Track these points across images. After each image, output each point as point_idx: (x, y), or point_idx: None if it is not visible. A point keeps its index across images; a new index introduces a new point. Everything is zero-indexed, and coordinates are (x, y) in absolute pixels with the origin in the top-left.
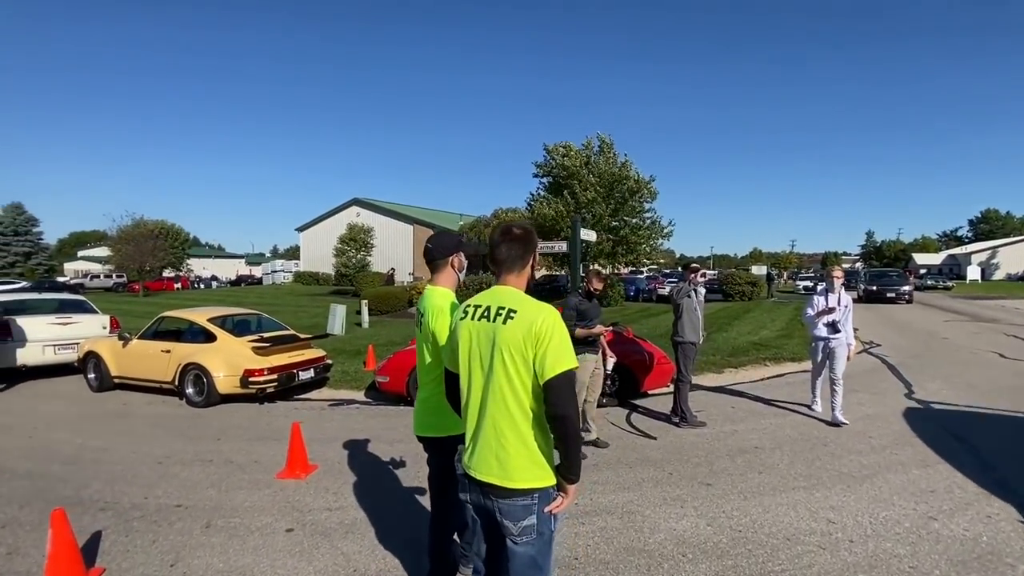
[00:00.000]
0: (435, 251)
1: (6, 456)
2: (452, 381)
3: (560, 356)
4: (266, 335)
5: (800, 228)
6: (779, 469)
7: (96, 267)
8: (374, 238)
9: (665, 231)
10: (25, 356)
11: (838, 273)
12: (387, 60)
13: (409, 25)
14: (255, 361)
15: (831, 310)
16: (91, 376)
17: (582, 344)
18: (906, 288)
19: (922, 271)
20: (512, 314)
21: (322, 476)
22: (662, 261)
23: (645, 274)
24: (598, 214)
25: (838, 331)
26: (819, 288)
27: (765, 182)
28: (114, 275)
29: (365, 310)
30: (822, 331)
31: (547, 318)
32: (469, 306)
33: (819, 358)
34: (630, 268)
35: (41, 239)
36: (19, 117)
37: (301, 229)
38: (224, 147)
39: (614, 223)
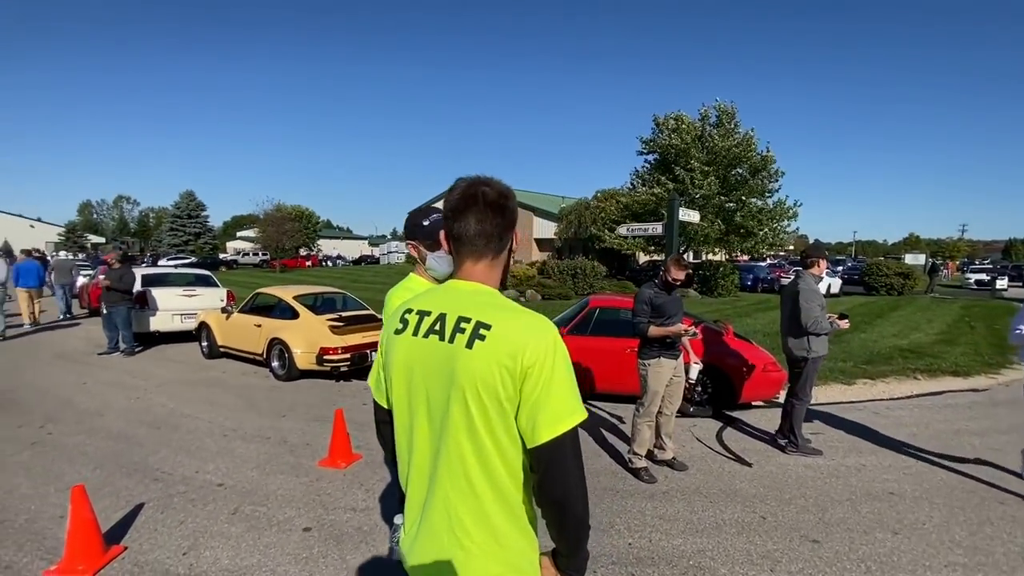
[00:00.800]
0: (404, 231)
1: (109, 415)
2: (384, 420)
3: (562, 406)
4: (344, 314)
5: (973, 210)
6: (925, 531)
7: (248, 246)
8: None
9: (790, 212)
10: (157, 323)
11: None
12: (492, 51)
13: (518, 17)
14: (330, 339)
15: None
16: (203, 344)
17: (657, 345)
18: None
19: None
20: (483, 330)
21: (361, 468)
22: (790, 247)
23: (768, 261)
24: (707, 195)
25: None
26: None
27: (929, 156)
28: (260, 253)
29: None
30: None
31: (542, 340)
32: (410, 311)
33: None
34: (749, 255)
35: (208, 221)
36: (195, 114)
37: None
38: (363, 138)
39: (728, 204)
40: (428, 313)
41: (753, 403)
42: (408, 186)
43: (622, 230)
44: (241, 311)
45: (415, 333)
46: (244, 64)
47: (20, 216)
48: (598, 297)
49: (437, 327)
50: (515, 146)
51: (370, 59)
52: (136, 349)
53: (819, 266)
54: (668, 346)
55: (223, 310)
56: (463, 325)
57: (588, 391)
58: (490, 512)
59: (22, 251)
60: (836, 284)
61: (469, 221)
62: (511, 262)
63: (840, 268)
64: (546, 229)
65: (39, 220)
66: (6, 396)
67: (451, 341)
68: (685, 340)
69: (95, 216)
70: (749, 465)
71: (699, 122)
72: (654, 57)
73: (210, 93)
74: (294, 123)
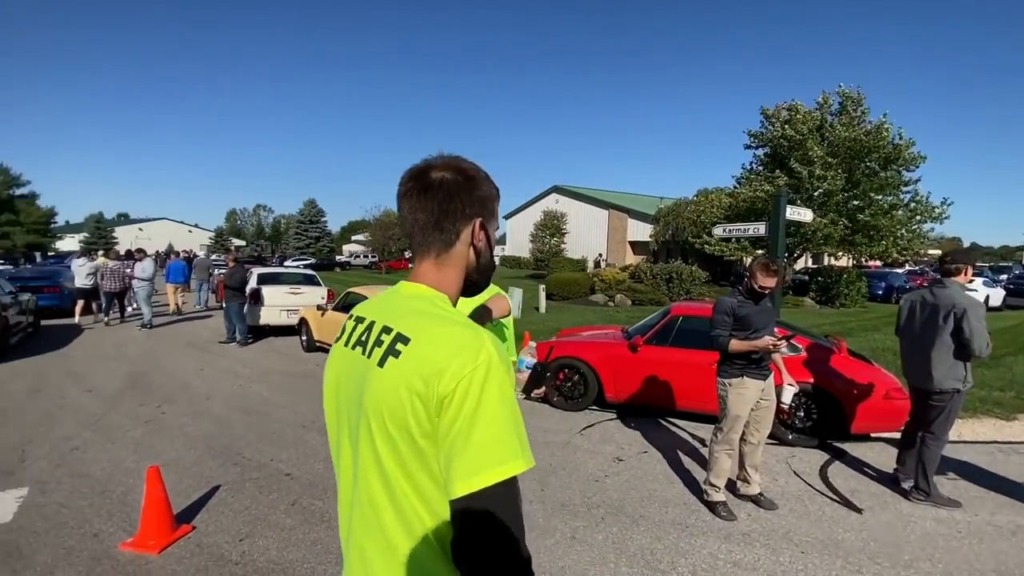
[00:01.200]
0: None
1: (215, 399)
2: None
3: (488, 451)
4: None
5: None
6: None
7: (360, 248)
8: (567, 224)
9: (936, 212)
10: (267, 317)
11: None
12: (596, 47)
13: (619, 13)
14: None
15: None
16: (303, 339)
17: (741, 362)
18: None
19: None
20: (399, 345)
21: None
22: (933, 252)
23: (907, 268)
24: (830, 191)
25: None
26: None
27: None
28: (369, 255)
29: (543, 295)
30: None
31: (468, 362)
32: (351, 317)
33: None
34: (880, 260)
35: (326, 226)
36: (320, 126)
37: (507, 216)
38: (468, 142)
39: (855, 201)
40: (363, 320)
41: (871, 435)
42: (508, 190)
43: (718, 231)
44: (335, 308)
45: (346, 343)
46: (364, 76)
47: (182, 223)
48: (681, 305)
49: (364, 337)
50: (614, 146)
51: (466, 67)
52: (249, 340)
53: (965, 273)
54: (755, 363)
55: (318, 307)
56: (383, 337)
57: (667, 408)
58: (399, 569)
59: (172, 253)
60: (998, 296)
61: (404, 207)
62: (481, 262)
63: (1004, 277)
64: (641, 231)
65: (196, 226)
66: (140, 378)
67: (369, 356)
68: (777, 357)
69: (239, 222)
70: (859, 511)
71: (817, 111)
72: (778, 58)
73: (334, 107)
74: (407, 131)
